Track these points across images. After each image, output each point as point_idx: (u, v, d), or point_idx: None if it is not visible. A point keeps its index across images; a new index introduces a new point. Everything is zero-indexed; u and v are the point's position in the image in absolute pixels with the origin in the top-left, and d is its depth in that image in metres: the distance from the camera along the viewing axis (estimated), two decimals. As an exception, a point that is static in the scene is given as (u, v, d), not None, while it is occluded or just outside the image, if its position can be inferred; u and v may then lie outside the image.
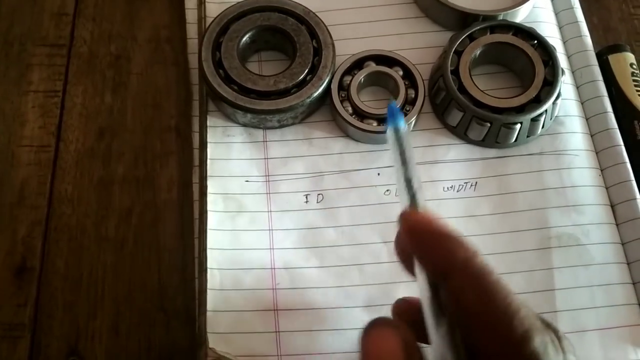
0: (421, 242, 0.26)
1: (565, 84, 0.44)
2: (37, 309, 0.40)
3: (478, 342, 0.24)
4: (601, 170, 0.42)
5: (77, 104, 0.46)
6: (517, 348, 0.22)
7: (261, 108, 0.41)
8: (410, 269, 0.28)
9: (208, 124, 0.43)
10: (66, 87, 0.46)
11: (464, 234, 0.39)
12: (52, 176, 0.43)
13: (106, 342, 0.39)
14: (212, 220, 0.40)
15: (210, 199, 0.40)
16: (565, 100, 0.43)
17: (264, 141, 0.43)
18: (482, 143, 0.42)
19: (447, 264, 0.25)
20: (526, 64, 0.42)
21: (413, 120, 0.42)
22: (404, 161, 0.28)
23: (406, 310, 0.29)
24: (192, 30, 0.46)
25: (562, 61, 0.44)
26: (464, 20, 0.44)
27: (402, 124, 0.29)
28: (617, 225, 0.40)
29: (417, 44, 0.45)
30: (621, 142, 0.42)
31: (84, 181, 0.43)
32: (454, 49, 0.42)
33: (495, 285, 0.24)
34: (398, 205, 0.38)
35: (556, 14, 0.47)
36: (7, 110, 0.45)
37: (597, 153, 0.42)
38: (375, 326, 0.25)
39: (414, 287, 0.38)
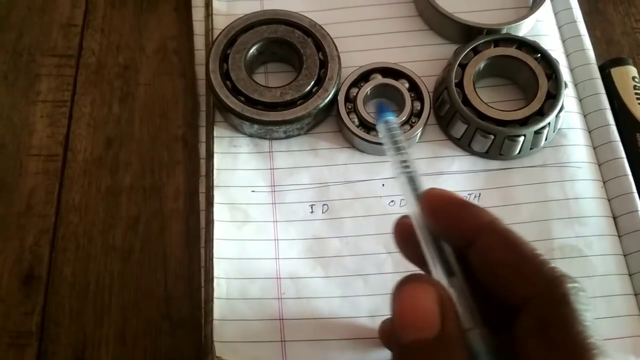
0: (447, 212, 0.27)
1: (568, 97, 0.44)
2: (44, 316, 0.40)
3: (509, 291, 0.25)
4: (603, 183, 0.42)
5: (85, 114, 0.46)
6: (550, 289, 0.24)
7: (268, 119, 0.42)
8: (412, 254, 0.28)
9: (215, 134, 0.43)
10: (74, 97, 0.47)
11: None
12: (59, 185, 0.44)
13: (113, 350, 0.39)
14: (219, 229, 0.40)
15: (216, 208, 0.41)
16: (568, 113, 0.44)
17: (270, 152, 0.43)
18: (486, 155, 0.43)
19: (475, 226, 0.26)
20: (529, 77, 0.43)
21: (419, 132, 0.42)
22: (398, 148, 0.29)
23: (404, 230, 0.29)
24: (199, 42, 0.47)
25: (565, 74, 0.45)
26: (468, 33, 0.45)
27: (392, 116, 0.31)
28: (619, 237, 0.41)
29: (422, 56, 0.46)
30: (623, 155, 0.42)
31: (91, 190, 0.44)
32: (458, 61, 0.43)
33: (521, 240, 0.25)
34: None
35: (559, 28, 0.48)
36: (16, 119, 0.46)
37: (599, 165, 0.43)
38: (408, 282, 0.25)
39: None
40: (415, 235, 0.27)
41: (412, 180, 0.28)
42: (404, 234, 0.29)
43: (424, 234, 0.27)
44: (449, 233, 0.27)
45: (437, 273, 0.26)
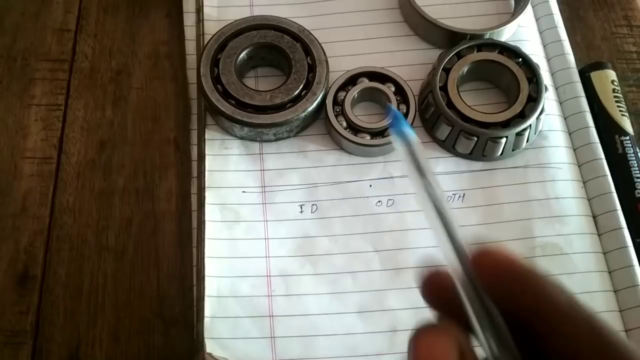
0: (511, 285, 0.22)
1: (549, 100, 0.45)
2: (39, 316, 0.41)
3: None
4: (583, 183, 0.44)
5: (78, 118, 0.47)
6: None
7: (258, 122, 0.43)
8: (445, 309, 0.24)
9: (206, 137, 0.44)
10: (68, 101, 0.48)
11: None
12: (54, 187, 0.45)
13: (106, 348, 0.40)
14: (210, 229, 0.41)
15: (208, 209, 0.42)
16: (549, 115, 0.45)
17: (260, 153, 0.44)
18: (470, 156, 0.44)
19: (552, 310, 0.22)
20: (511, 80, 0.44)
21: (404, 134, 0.43)
22: (422, 172, 0.24)
23: (440, 287, 0.24)
24: (190, 47, 0.48)
25: (546, 78, 0.46)
26: (452, 38, 0.46)
27: (411, 132, 0.25)
28: (599, 235, 0.42)
29: (407, 61, 0.47)
30: (602, 156, 0.44)
31: (85, 192, 0.44)
32: (442, 66, 0.44)
33: (616, 337, 0.21)
34: (389, 215, 0.40)
35: (540, 33, 0.49)
36: (10, 123, 0.47)
37: (579, 166, 0.44)
38: (426, 330, 0.22)
39: (404, 294, 0.40)
40: (455, 293, 0.23)
41: (448, 225, 0.23)
42: (438, 290, 0.24)
43: (472, 300, 0.22)
44: (512, 313, 0.22)
45: (489, 349, 0.22)
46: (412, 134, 0.25)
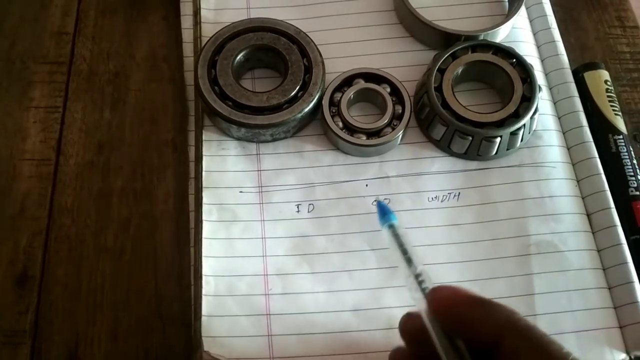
0: (460, 315, 0.27)
1: (543, 100, 0.46)
2: (38, 316, 0.41)
3: None
4: (577, 181, 0.44)
5: (77, 120, 0.47)
6: None
7: (255, 123, 0.43)
8: (418, 347, 0.29)
9: (203, 138, 0.45)
10: (66, 103, 0.48)
11: (447, 242, 0.42)
12: (52, 188, 0.45)
13: (105, 347, 0.40)
14: (207, 229, 0.41)
15: (205, 209, 0.42)
16: (543, 115, 0.45)
17: (257, 154, 0.45)
18: (465, 156, 0.44)
19: (495, 328, 0.26)
20: (505, 81, 0.44)
21: (400, 134, 0.44)
22: (408, 259, 0.30)
23: (412, 329, 0.29)
24: (188, 49, 0.48)
25: (540, 78, 0.46)
26: (446, 40, 0.47)
27: (395, 218, 0.32)
28: (593, 233, 0.42)
29: (403, 62, 0.48)
30: (596, 155, 0.44)
31: (83, 193, 0.45)
32: (437, 67, 0.45)
33: (548, 339, 0.25)
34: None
35: (534, 34, 0.50)
36: (9, 125, 0.47)
37: (573, 165, 0.44)
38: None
39: (400, 292, 0.40)
40: (426, 333, 0.27)
41: (421, 283, 0.29)
42: (412, 332, 0.29)
43: (439, 335, 0.27)
44: (466, 335, 0.26)
45: None
46: (395, 219, 0.32)
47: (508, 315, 0.26)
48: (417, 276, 0.29)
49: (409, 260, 0.30)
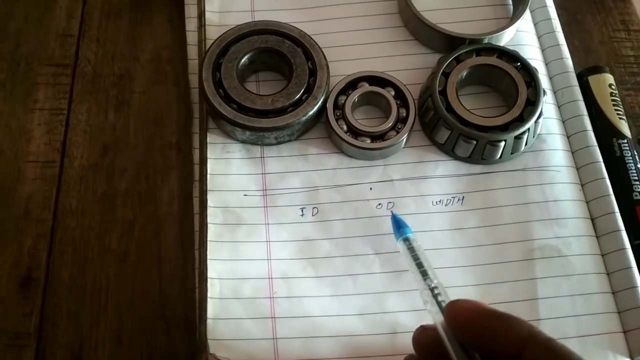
0: (481, 327, 0.27)
1: (547, 104, 0.46)
2: (42, 318, 0.41)
3: None
4: (582, 185, 0.44)
5: (81, 122, 0.47)
6: None
7: (259, 126, 0.43)
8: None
9: (208, 140, 0.45)
10: (71, 105, 0.48)
11: (451, 246, 0.42)
12: (57, 190, 0.45)
13: (109, 349, 0.40)
14: (212, 232, 0.41)
15: (210, 212, 0.42)
16: (547, 119, 0.45)
17: (261, 157, 0.45)
18: (469, 159, 0.44)
19: (516, 341, 0.26)
20: (510, 84, 0.44)
21: (404, 138, 0.44)
22: (424, 272, 0.31)
23: (426, 341, 0.30)
24: (192, 52, 0.49)
25: (544, 82, 0.46)
26: (451, 43, 0.47)
27: (410, 232, 0.33)
28: (597, 237, 0.42)
29: (407, 65, 0.48)
30: (600, 159, 0.44)
31: (87, 195, 0.45)
32: (441, 70, 0.45)
33: (567, 350, 0.26)
34: (389, 218, 0.40)
35: (539, 38, 0.50)
36: (14, 127, 0.47)
37: (577, 169, 0.45)
38: None
39: (404, 296, 0.41)
40: (441, 346, 0.28)
41: (437, 296, 0.30)
42: (426, 345, 0.29)
43: (456, 348, 0.27)
44: (486, 348, 0.27)
45: None
46: (410, 232, 0.34)
47: (529, 328, 0.26)
48: (432, 289, 0.30)
49: (424, 274, 0.31)
